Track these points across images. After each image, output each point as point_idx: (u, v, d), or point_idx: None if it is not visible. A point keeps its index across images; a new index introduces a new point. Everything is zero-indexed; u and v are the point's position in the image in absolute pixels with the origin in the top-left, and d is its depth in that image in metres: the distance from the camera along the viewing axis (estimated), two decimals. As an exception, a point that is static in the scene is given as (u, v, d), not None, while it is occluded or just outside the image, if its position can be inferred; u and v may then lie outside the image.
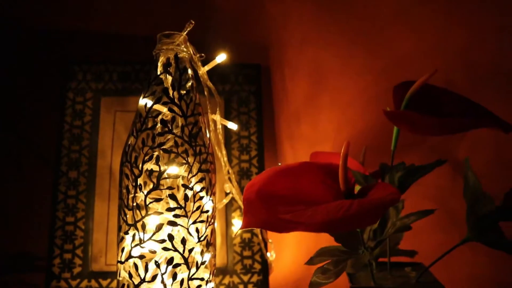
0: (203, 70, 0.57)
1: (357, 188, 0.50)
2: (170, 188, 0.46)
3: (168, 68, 0.50)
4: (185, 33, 0.52)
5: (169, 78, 0.50)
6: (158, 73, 0.50)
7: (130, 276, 0.46)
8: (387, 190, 0.38)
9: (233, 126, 0.60)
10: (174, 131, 0.48)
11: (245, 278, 0.65)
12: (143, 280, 0.46)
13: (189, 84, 0.50)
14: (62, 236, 0.64)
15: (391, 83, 0.66)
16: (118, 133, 0.69)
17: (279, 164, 0.71)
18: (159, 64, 0.51)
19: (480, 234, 0.44)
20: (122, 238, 0.48)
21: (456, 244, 0.45)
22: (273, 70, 0.79)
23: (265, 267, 0.67)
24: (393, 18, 0.74)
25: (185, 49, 0.52)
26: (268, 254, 0.67)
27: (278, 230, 0.37)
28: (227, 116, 0.70)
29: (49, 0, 0.78)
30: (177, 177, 0.47)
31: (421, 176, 0.47)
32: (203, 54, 0.56)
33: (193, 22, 0.52)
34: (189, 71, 0.51)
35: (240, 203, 0.64)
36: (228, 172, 0.60)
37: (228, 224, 0.67)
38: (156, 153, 0.47)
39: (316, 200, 0.42)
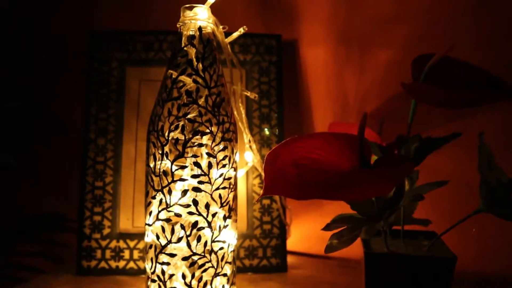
0: (225, 42, 0.58)
1: (374, 158, 0.52)
2: (194, 156, 0.49)
3: (192, 40, 0.51)
4: (208, 5, 0.53)
5: (193, 50, 0.51)
6: (183, 45, 0.52)
7: (157, 237, 0.50)
8: (402, 162, 0.39)
9: (253, 95, 0.62)
10: (198, 101, 0.50)
11: (264, 242, 0.69)
12: (169, 242, 0.49)
13: (212, 55, 0.52)
14: (92, 199, 0.68)
15: (412, 56, 0.66)
16: (143, 101, 0.71)
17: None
18: (183, 37, 0.52)
19: (492, 205, 0.46)
20: (150, 203, 0.51)
21: (468, 214, 0.47)
22: (294, 38, 0.79)
23: (283, 232, 0.70)
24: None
25: (208, 21, 0.53)
26: (287, 220, 0.70)
27: (296, 197, 0.40)
28: (248, 85, 0.72)
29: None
30: (201, 145, 0.49)
31: (437, 148, 0.48)
32: (225, 26, 0.57)
33: (217, -5, 0.53)
34: (212, 42, 0.53)
35: (261, 170, 0.66)
36: (249, 141, 0.63)
37: (248, 191, 0.70)
38: (181, 123, 0.49)
39: (333, 169, 0.44)
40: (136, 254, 0.67)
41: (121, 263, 0.66)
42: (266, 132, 0.69)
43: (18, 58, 0.84)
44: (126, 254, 0.67)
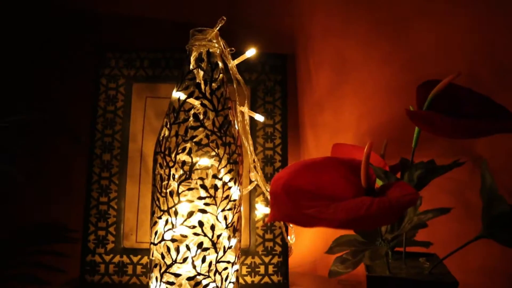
0: (233, 64, 0.59)
1: (378, 181, 0.52)
2: (201, 178, 0.50)
3: (200, 63, 0.52)
4: (216, 29, 0.54)
5: (201, 72, 0.52)
6: (191, 67, 0.53)
7: (163, 257, 0.50)
8: (407, 191, 0.40)
9: (260, 118, 0.63)
10: (206, 124, 0.51)
11: (266, 259, 0.69)
12: (174, 261, 0.50)
13: (220, 78, 0.53)
14: (97, 214, 0.68)
15: (413, 76, 0.67)
16: (148, 118, 0.72)
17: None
18: (192, 59, 0.53)
19: (494, 232, 0.47)
20: (156, 222, 0.52)
21: (470, 239, 0.48)
22: (299, 59, 0.81)
23: (285, 250, 0.70)
24: (416, 11, 0.74)
25: (216, 44, 0.54)
26: (289, 237, 0.70)
27: (302, 224, 0.40)
28: (253, 104, 0.73)
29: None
30: (207, 168, 0.50)
31: (439, 175, 0.49)
32: (233, 48, 0.58)
33: (225, 18, 0.55)
34: (220, 65, 0.54)
35: (264, 189, 0.67)
36: (254, 161, 0.64)
37: (251, 208, 0.71)
38: (188, 145, 0.50)
39: (338, 195, 0.45)
40: (139, 270, 0.67)
41: (125, 278, 0.67)
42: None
43: (25, 70, 0.85)
44: (130, 269, 0.67)
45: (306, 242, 0.79)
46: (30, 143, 0.86)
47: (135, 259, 0.68)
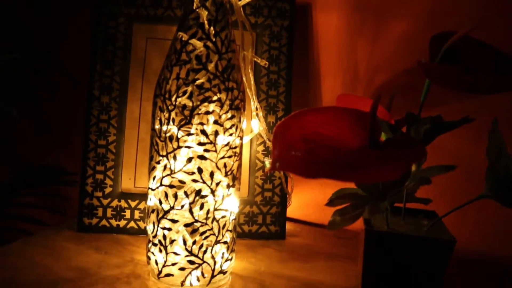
0: (239, 4, 0.56)
1: (383, 136, 0.51)
2: (201, 123, 0.48)
3: (205, 2, 0.49)
4: (223, -35, 0.51)
5: (205, 12, 0.49)
6: (195, 6, 0.50)
7: (160, 202, 0.50)
8: (413, 145, 0.39)
9: (263, 63, 0.61)
10: (208, 67, 0.48)
11: (264, 209, 0.69)
12: (172, 207, 0.49)
13: (225, 19, 0.50)
14: (95, 157, 0.67)
15: (430, 32, 0.64)
16: (149, 60, 0.70)
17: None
18: (196, -3, 0.50)
19: (497, 192, 0.46)
20: (154, 167, 0.50)
21: (471, 199, 0.47)
22: (307, 2, 0.77)
23: (284, 201, 0.70)
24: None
25: (222, -18, 0.51)
26: (288, 188, 0.70)
27: (305, 175, 0.39)
28: (257, 50, 0.70)
29: None
30: (208, 113, 0.48)
31: (446, 131, 0.48)
32: (239, -12, 0.55)
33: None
34: (225, 4, 0.51)
35: (266, 138, 0.66)
36: (256, 109, 0.62)
37: (251, 157, 0.69)
38: (189, 88, 0.48)
39: (342, 146, 0.43)
40: (137, 214, 0.67)
41: (122, 222, 0.67)
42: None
43: (20, 9, 0.82)
44: (127, 213, 0.67)
45: (305, 193, 0.79)
46: (27, 85, 0.84)
47: (133, 203, 0.67)
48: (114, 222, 0.67)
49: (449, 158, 0.69)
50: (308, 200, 0.80)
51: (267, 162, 0.69)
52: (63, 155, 0.88)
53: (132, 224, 0.67)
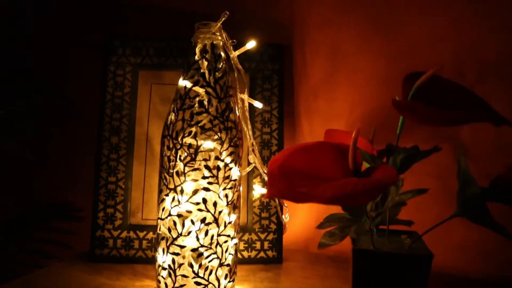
0: (234, 54, 0.64)
1: (366, 164, 0.58)
2: (205, 159, 0.55)
3: (205, 55, 0.57)
4: (220, 22, 0.59)
5: (206, 63, 0.57)
6: (196, 58, 0.57)
7: (169, 230, 0.56)
8: (388, 173, 0.45)
9: (258, 105, 0.68)
10: (209, 110, 0.56)
11: (262, 236, 0.75)
12: (180, 234, 0.55)
13: (223, 68, 0.58)
14: (105, 193, 0.73)
15: (404, 67, 0.72)
16: (154, 103, 0.77)
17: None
18: (197, 50, 0.58)
19: (467, 211, 0.52)
20: (163, 200, 0.57)
21: (446, 218, 0.53)
22: (296, 49, 0.85)
23: (280, 228, 0.76)
24: (409, 5, 0.79)
25: (220, 37, 0.59)
26: (283, 216, 0.76)
27: (295, 200, 0.45)
28: (252, 91, 0.77)
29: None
30: (211, 150, 0.55)
31: (420, 159, 0.55)
32: (235, 40, 0.63)
33: (228, 13, 0.59)
34: (222, 55, 0.58)
35: (261, 171, 0.73)
36: (252, 145, 0.69)
37: (249, 188, 0.76)
38: (193, 129, 0.55)
39: (328, 176, 0.50)
40: (144, 244, 0.73)
41: (131, 252, 0.72)
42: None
43: (37, 56, 0.90)
44: (136, 244, 0.73)
45: (300, 221, 0.85)
46: (41, 126, 0.91)
47: (141, 234, 0.73)
48: (124, 252, 0.72)
49: (433, 182, 0.76)
50: (303, 227, 0.86)
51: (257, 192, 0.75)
52: (72, 192, 0.93)
53: (140, 253, 0.72)
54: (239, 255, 0.74)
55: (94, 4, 0.88)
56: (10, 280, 0.63)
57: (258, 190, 0.75)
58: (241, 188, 0.62)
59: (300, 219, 0.85)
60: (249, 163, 0.72)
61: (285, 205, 0.76)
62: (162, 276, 0.57)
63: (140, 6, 0.87)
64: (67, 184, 0.94)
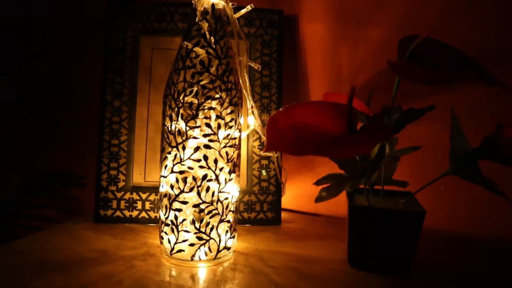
0: (234, 17, 0.65)
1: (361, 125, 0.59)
2: (206, 117, 0.56)
3: (206, 16, 0.58)
4: (220, -16, 0.60)
5: (206, 24, 0.58)
6: (197, 20, 0.58)
7: (172, 188, 0.58)
8: (381, 129, 0.47)
9: (257, 67, 0.69)
10: (210, 70, 0.57)
11: (261, 197, 0.77)
12: (182, 191, 0.57)
13: (223, 29, 0.59)
14: (109, 155, 0.75)
15: (403, 35, 0.73)
16: (155, 68, 0.78)
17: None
18: (198, 12, 0.59)
19: (458, 169, 0.54)
20: (165, 157, 0.59)
21: (438, 176, 0.55)
22: (294, 13, 0.86)
23: (279, 190, 0.78)
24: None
25: (220, -1, 0.59)
26: (282, 179, 0.78)
27: (293, 153, 0.47)
28: (251, 57, 0.79)
29: None
30: (211, 109, 0.57)
31: (415, 119, 0.56)
32: (234, 3, 0.63)
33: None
34: (223, 17, 0.59)
35: (261, 133, 0.74)
36: (252, 107, 0.70)
37: (249, 151, 0.78)
38: (195, 88, 0.56)
39: (325, 132, 0.52)
40: (147, 205, 0.75)
41: (134, 213, 0.75)
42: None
43: (40, 23, 0.90)
44: (139, 205, 0.75)
45: (297, 184, 0.87)
46: (44, 93, 0.92)
47: (143, 195, 0.75)
48: (127, 213, 0.75)
49: (425, 145, 0.78)
50: (301, 191, 0.88)
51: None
52: (77, 156, 0.95)
53: (143, 214, 0.75)
54: (238, 216, 0.76)
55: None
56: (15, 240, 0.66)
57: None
58: (241, 149, 0.63)
59: (297, 182, 0.87)
60: (248, 126, 0.73)
61: (284, 167, 0.78)
62: (165, 232, 0.59)
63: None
64: (71, 152, 0.96)
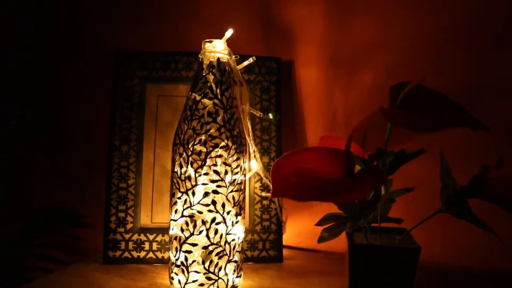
0: (237, 68, 0.70)
1: (358, 167, 0.64)
2: (213, 165, 0.61)
3: (212, 69, 0.63)
4: (225, 39, 0.65)
5: (212, 76, 0.63)
6: (204, 73, 0.63)
7: (182, 230, 0.61)
8: (377, 174, 0.51)
9: (259, 114, 0.74)
10: (217, 120, 0.61)
11: (264, 236, 0.81)
12: (192, 234, 0.60)
13: (228, 81, 0.63)
14: (117, 198, 0.79)
15: (393, 81, 0.79)
16: (160, 114, 0.83)
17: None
18: (204, 65, 0.64)
19: (449, 207, 0.59)
20: (175, 202, 0.62)
21: (431, 214, 0.60)
22: (292, 61, 0.91)
23: (280, 228, 0.81)
24: (402, 18, 0.86)
25: (224, 53, 0.65)
26: (283, 218, 0.82)
27: (296, 198, 0.51)
28: (251, 101, 0.83)
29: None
30: (219, 156, 0.61)
31: (407, 161, 0.61)
32: (237, 55, 0.69)
33: (232, 31, 0.65)
34: (227, 69, 0.64)
35: (263, 176, 0.78)
36: (254, 151, 0.75)
37: (251, 192, 0.82)
38: (203, 137, 0.61)
39: (325, 177, 0.56)
40: (155, 246, 0.78)
41: (142, 254, 0.78)
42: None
43: (55, 71, 0.95)
44: (146, 245, 0.78)
45: (298, 222, 0.91)
46: (52, 136, 0.96)
47: (151, 236, 0.78)
48: (135, 254, 0.77)
49: (418, 183, 0.82)
50: (300, 228, 0.92)
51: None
52: (85, 198, 0.98)
53: (151, 254, 0.78)
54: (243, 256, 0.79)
55: (101, 20, 0.94)
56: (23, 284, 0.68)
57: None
58: (245, 192, 0.67)
59: (298, 220, 0.91)
60: (251, 169, 0.77)
61: (285, 207, 0.82)
62: (175, 273, 0.62)
63: (148, 21, 0.93)
64: (74, 193, 0.99)
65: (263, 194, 0.81)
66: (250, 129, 0.73)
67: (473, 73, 0.84)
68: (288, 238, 0.90)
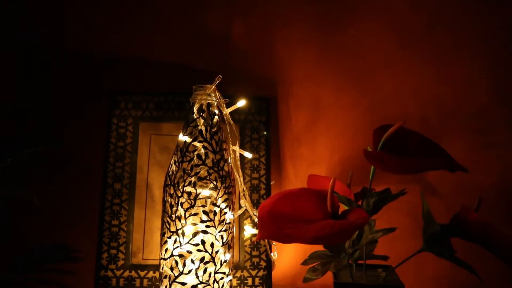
0: (226, 111, 0.73)
1: (344, 206, 0.66)
2: (203, 205, 0.63)
3: (202, 114, 0.66)
4: (214, 85, 0.68)
5: (202, 120, 0.66)
6: (194, 117, 0.66)
7: (171, 269, 0.63)
8: (360, 215, 0.54)
9: (248, 155, 0.77)
10: (206, 162, 0.64)
11: (253, 272, 0.82)
12: (181, 273, 0.62)
13: (217, 124, 0.66)
14: (109, 235, 0.80)
15: (376, 117, 0.82)
16: (153, 152, 0.85)
17: (272, 182, 0.87)
18: (195, 109, 0.67)
19: (430, 246, 0.61)
20: (165, 241, 0.64)
21: (414, 253, 0.62)
22: (280, 101, 0.95)
23: (269, 265, 0.83)
24: (380, 63, 0.90)
25: (214, 97, 0.68)
26: (272, 254, 0.83)
27: (282, 241, 0.53)
28: (241, 141, 0.86)
29: (93, 29, 0.94)
30: (208, 197, 0.63)
31: (390, 201, 0.63)
32: (227, 99, 0.72)
33: (221, 77, 0.68)
34: (217, 113, 0.67)
35: (251, 213, 0.80)
36: (243, 190, 0.77)
37: (241, 229, 0.83)
38: (193, 179, 0.63)
39: (310, 219, 0.58)
40: (145, 283, 0.79)
41: (133, 290, 0.79)
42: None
43: (50, 109, 0.98)
44: (137, 282, 0.79)
45: (287, 259, 0.92)
46: (49, 174, 0.97)
47: (142, 273, 0.79)
48: (126, 291, 0.78)
49: (406, 219, 0.85)
50: (290, 264, 0.93)
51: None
52: (78, 234, 0.99)
53: (141, 291, 0.79)
54: (232, 291, 0.80)
55: (95, 61, 0.97)
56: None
57: (249, 231, 0.82)
58: (234, 229, 0.69)
59: (287, 256, 0.92)
60: (240, 207, 0.79)
61: (274, 243, 0.84)
62: (164, 311, 0.63)
63: (140, 61, 0.96)
64: (73, 228, 1.00)
65: (251, 234, 0.83)
66: (239, 168, 0.75)
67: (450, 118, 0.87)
68: (278, 273, 0.91)
